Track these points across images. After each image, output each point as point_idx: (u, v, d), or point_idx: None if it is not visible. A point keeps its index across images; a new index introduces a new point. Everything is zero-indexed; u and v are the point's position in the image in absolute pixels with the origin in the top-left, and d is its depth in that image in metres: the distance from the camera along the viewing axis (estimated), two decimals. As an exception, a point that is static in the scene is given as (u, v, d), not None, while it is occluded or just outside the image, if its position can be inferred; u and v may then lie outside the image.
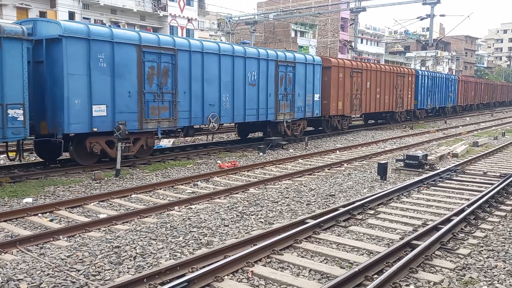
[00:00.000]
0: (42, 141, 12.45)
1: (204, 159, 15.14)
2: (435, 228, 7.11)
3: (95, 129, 12.16)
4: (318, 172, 12.83)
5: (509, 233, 7.29)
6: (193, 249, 6.45)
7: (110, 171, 12.52)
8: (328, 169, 13.27)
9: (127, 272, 5.62)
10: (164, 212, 8.50)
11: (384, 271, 5.52)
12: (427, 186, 10.78)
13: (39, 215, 8.24)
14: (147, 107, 13.47)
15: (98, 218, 7.97)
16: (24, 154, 13.41)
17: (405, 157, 13.02)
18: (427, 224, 7.49)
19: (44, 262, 5.87)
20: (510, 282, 5.46)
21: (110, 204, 9.18)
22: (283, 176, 11.82)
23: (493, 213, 8.39)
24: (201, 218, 7.95)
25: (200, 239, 6.85)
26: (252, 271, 5.64)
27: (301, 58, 20.12)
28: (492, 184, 10.61)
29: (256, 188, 10.63)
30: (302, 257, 6.24)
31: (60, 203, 8.79)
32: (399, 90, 30.10)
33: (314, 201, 9.37)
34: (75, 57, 11.67)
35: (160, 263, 5.91)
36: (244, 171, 12.86)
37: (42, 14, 38.34)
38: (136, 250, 6.35)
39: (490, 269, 5.83)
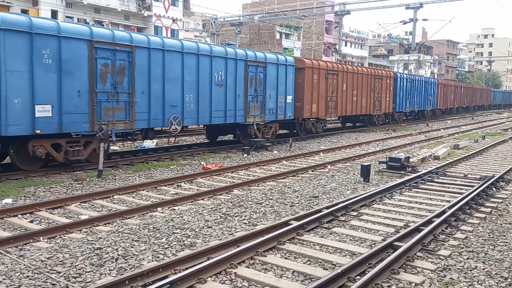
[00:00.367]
0: None
1: (188, 160, 15.07)
2: (417, 230, 7.19)
3: (38, 131, 11.16)
4: (302, 173, 12.88)
5: (489, 235, 7.42)
6: (176, 251, 6.41)
7: (92, 171, 12.38)
8: (312, 171, 13.33)
9: (109, 274, 5.56)
10: (147, 213, 8.43)
11: (367, 272, 5.56)
12: (409, 188, 10.90)
13: (19, 216, 8.10)
14: (99, 108, 12.49)
15: (79, 219, 7.86)
16: None
17: (387, 159, 13.15)
18: (409, 226, 7.58)
19: (24, 264, 5.77)
20: (489, 283, 5.55)
21: (92, 205, 9.08)
22: (267, 178, 11.83)
23: (473, 215, 8.52)
24: (184, 220, 7.91)
25: (183, 241, 6.81)
26: (235, 273, 5.63)
27: (273, 58, 19.30)
28: (472, 186, 10.78)
29: (240, 190, 10.62)
30: (286, 258, 6.25)
31: (40, 204, 8.66)
32: (377, 92, 29.42)
33: (298, 203, 9.40)
34: (14, 52, 10.70)
35: (143, 265, 5.86)
36: (228, 173, 12.84)
37: (24, 11, 37.74)
38: (118, 251, 6.28)
39: (470, 270, 5.91)
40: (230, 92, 16.92)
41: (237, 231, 7.36)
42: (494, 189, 10.78)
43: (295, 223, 7.35)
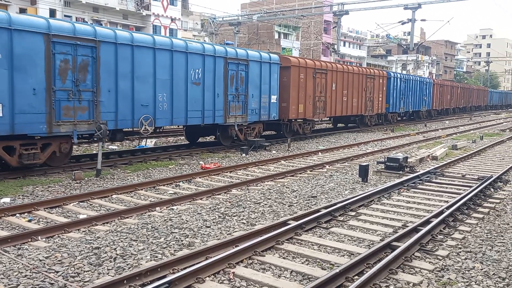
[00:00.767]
0: None
1: (186, 159, 15.07)
2: (415, 230, 7.20)
3: None
4: (300, 173, 12.89)
5: (487, 235, 7.44)
6: (175, 250, 6.41)
7: (91, 171, 12.37)
8: (310, 171, 13.34)
9: (107, 274, 5.56)
10: (145, 212, 8.43)
11: (365, 272, 5.57)
12: (407, 188, 10.92)
13: (17, 215, 8.09)
14: (58, 107, 11.52)
15: (77, 219, 7.86)
16: None
17: (386, 159, 13.17)
18: (407, 226, 7.59)
19: (22, 263, 5.77)
20: (487, 283, 5.57)
21: (90, 204, 9.07)
22: (265, 177, 11.84)
23: (471, 215, 8.54)
24: (182, 219, 7.91)
25: (182, 240, 6.81)
26: (233, 273, 5.63)
27: (255, 55, 18.34)
28: (470, 186, 10.80)
29: (239, 189, 10.62)
30: (284, 258, 6.26)
31: (39, 203, 8.65)
32: (369, 92, 28.46)
33: (296, 203, 9.41)
34: None
35: (141, 264, 5.86)
36: (227, 172, 12.84)
37: (22, 10, 37.69)
38: (116, 251, 6.28)
39: (468, 270, 5.93)
40: (208, 91, 16.01)
41: (236, 231, 7.37)
42: (492, 189, 10.81)
43: (293, 223, 7.36)
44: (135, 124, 13.58)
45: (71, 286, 5.19)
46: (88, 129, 12.34)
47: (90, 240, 6.74)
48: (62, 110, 11.67)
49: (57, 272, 5.54)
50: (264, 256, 6.23)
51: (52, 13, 39.64)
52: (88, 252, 6.21)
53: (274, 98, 19.33)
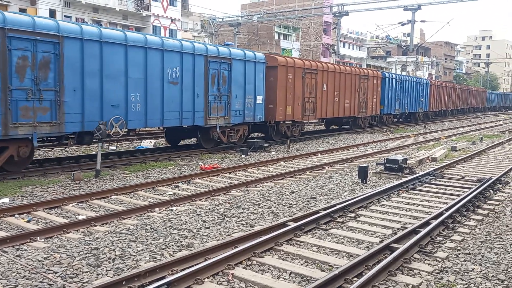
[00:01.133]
0: None
1: (186, 160, 15.06)
2: (414, 232, 7.20)
3: None
4: (299, 174, 12.88)
5: (486, 237, 7.44)
6: (174, 251, 6.40)
7: (90, 171, 12.36)
8: (310, 172, 13.34)
9: (106, 275, 5.55)
10: (144, 213, 8.42)
11: (364, 274, 5.57)
12: (406, 190, 10.92)
13: (16, 215, 8.09)
14: (15, 108, 10.69)
15: (76, 219, 7.85)
16: None
17: (385, 160, 13.17)
18: (406, 228, 7.59)
19: (21, 264, 5.76)
20: (486, 285, 5.57)
21: (90, 205, 9.06)
22: (265, 179, 11.83)
23: (470, 217, 8.54)
24: (182, 220, 7.91)
25: (181, 241, 6.81)
26: (232, 274, 5.63)
27: (239, 54, 17.45)
28: (469, 188, 10.80)
29: (238, 190, 10.62)
30: (283, 259, 6.25)
31: (38, 203, 8.64)
32: (362, 93, 27.56)
33: (296, 204, 9.40)
34: None
35: (140, 265, 5.85)
36: (226, 173, 12.84)
37: (22, 10, 37.68)
38: (115, 252, 6.27)
39: (467, 273, 5.93)
40: (187, 91, 15.13)
41: (235, 232, 7.36)
42: (491, 191, 10.81)
43: (292, 224, 7.35)
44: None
45: (69, 287, 5.18)
46: (50, 131, 11.44)
47: (89, 241, 6.73)
48: (19, 110, 10.82)
49: (56, 273, 5.53)
50: (263, 257, 6.23)
51: (52, 13, 39.65)
52: (87, 253, 6.21)
53: (259, 99, 18.46)
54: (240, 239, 6.61)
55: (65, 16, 40.67)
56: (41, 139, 12.11)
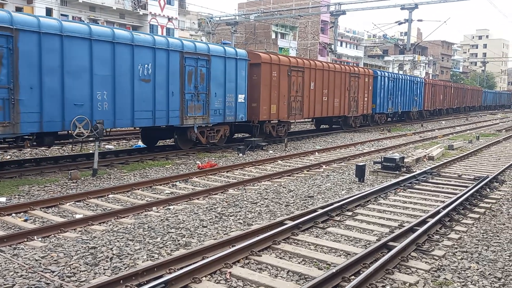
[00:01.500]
0: None
1: (183, 159, 15.05)
2: (411, 230, 7.22)
3: None
4: (297, 173, 12.89)
5: (483, 235, 7.46)
6: (171, 250, 6.40)
7: (87, 170, 12.33)
8: (307, 171, 13.35)
9: (103, 274, 5.55)
10: (142, 212, 8.41)
11: (361, 272, 5.58)
12: (403, 188, 10.94)
13: (13, 215, 8.06)
14: None
15: (74, 219, 7.83)
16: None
17: (382, 159, 13.19)
18: (403, 226, 7.61)
19: (18, 263, 5.75)
20: (483, 283, 5.59)
21: (87, 204, 9.05)
22: (262, 177, 11.84)
23: (467, 215, 8.57)
24: (179, 219, 7.90)
25: (178, 240, 6.80)
26: (230, 272, 5.63)
27: (218, 50, 16.52)
28: (466, 186, 10.83)
29: (235, 189, 10.62)
30: (281, 258, 6.26)
31: (35, 202, 8.62)
32: (353, 92, 26.68)
33: (293, 202, 9.41)
34: None
35: (137, 264, 5.85)
36: (224, 172, 12.83)
37: (19, 9, 37.55)
38: (112, 251, 6.26)
39: (464, 270, 5.95)
40: (161, 89, 14.27)
41: (232, 231, 7.36)
42: (488, 189, 10.85)
43: (290, 223, 7.36)
44: (66, 126, 11.80)
45: (67, 286, 5.17)
46: (3, 132, 10.58)
47: (86, 240, 6.72)
48: None
49: (53, 272, 5.52)
50: (261, 256, 6.23)
51: (49, 12, 39.52)
52: (84, 252, 6.20)
53: (241, 98, 17.55)
54: (237, 238, 6.61)
55: (61, 14, 40.56)
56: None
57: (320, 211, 8.18)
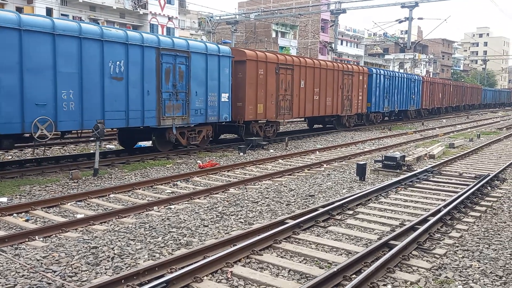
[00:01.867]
0: None
1: (184, 159, 15.05)
2: (412, 229, 7.22)
3: None
4: (298, 172, 12.89)
5: (484, 234, 7.46)
6: (172, 250, 6.41)
7: (88, 170, 12.34)
8: (308, 170, 13.35)
9: (105, 273, 5.55)
10: (143, 212, 8.42)
11: (362, 271, 5.58)
12: (404, 187, 10.93)
13: (14, 215, 8.07)
14: None
15: (75, 218, 7.84)
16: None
17: (383, 158, 13.19)
18: (404, 225, 7.61)
19: (19, 263, 5.76)
20: (484, 281, 5.59)
21: (88, 204, 9.05)
22: (263, 176, 11.84)
23: (468, 214, 8.57)
24: (180, 219, 7.91)
25: (179, 240, 6.81)
26: (231, 272, 5.63)
27: (199, 47, 15.64)
28: (467, 185, 10.83)
29: (236, 188, 10.62)
30: (282, 257, 6.26)
31: (36, 202, 8.63)
32: (346, 90, 25.84)
33: (294, 202, 9.41)
34: None
35: (139, 263, 5.85)
36: (224, 171, 12.84)
37: (19, 9, 37.56)
38: (114, 250, 6.27)
39: (465, 269, 5.94)
40: (135, 87, 13.39)
41: (233, 230, 7.37)
42: (489, 188, 10.84)
43: (291, 222, 7.36)
44: (26, 128, 10.99)
45: (68, 286, 5.18)
46: None
47: (88, 239, 6.73)
48: None
49: (55, 272, 5.53)
50: (262, 255, 6.24)
51: (49, 11, 39.54)
52: (85, 251, 6.21)
53: (225, 97, 16.77)
54: (238, 237, 6.62)
55: (62, 14, 40.57)
56: None
57: (321, 210, 8.18)
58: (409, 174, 12.01)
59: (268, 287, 5.32)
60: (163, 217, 7.96)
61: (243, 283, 5.40)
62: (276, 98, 19.76)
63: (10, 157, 14.76)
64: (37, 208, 8.45)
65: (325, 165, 14.12)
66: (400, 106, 33.96)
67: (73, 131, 13.11)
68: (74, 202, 9.05)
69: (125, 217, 8.06)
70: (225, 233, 7.19)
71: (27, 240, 6.68)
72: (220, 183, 11.24)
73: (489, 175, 11.64)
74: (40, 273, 5.46)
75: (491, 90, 76.37)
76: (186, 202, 9.28)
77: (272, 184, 11.14)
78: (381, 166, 13.08)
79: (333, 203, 8.70)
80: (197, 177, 11.96)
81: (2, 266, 5.69)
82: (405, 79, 34.67)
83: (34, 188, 10.24)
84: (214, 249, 6.15)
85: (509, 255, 6.48)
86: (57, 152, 16.28)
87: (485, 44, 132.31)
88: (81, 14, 43.13)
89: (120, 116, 13.09)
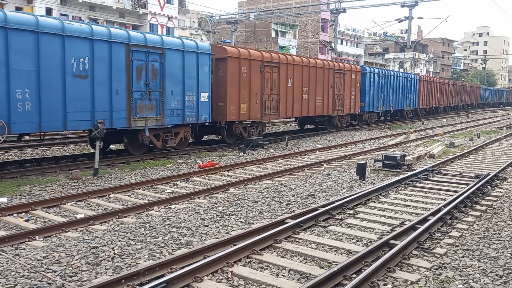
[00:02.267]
0: None
1: (184, 158, 15.05)
2: (412, 228, 7.21)
3: None
4: (298, 172, 12.89)
5: (484, 233, 7.46)
6: (172, 250, 6.41)
7: (88, 170, 12.34)
8: (308, 169, 13.35)
9: (105, 273, 5.55)
10: (143, 212, 8.42)
11: (363, 270, 5.58)
12: (404, 186, 10.93)
13: (15, 215, 8.07)
14: None
15: (75, 218, 7.84)
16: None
17: (383, 157, 13.19)
18: (405, 224, 7.60)
19: (19, 263, 5.76)
20: (484, 281, 5.58)
21: (88, 204, 9.05)
22: (263, 176, 11.84)
23: (468, 213, 8.56)
24: (180, 218, 7.91)
25: (180, 239, 6.81)
26: (231, 271, 5.63)
27: (175, 43, 14.75)
28: (467, 184, 10.83)
29: (236, 188, 10.62)
30: (282, 257, 6.26)
31: (36, 202, 8.63)
32: (338, 90, 24.88)
33: (294, 201, 9.41)
34: None
35: (139, 263, 5.85)
36: (224, 171, 12.84)
37: (19, 9, 37.55)
38: (114, 250, 6.27)
39: (466, 268, 5.94)
40: (102, 86, 12.48)
41: (234, 230, 7.37)
42: (489, 187, 10.84)
43: (291, 222, 7.36)
44: None
45: (69, 285, 5.18)
46: None
47: (88, 239, 6.73)
48: None
49: (55, 271, 5.53)
50: (262, 254, 6.24)
51: (49, 11, 39.53)
52: (86, 251, 6.21)
53: (204, 96, 15.82)
54: (239, 237, 6.62)
55: (61, 14, 40.56)
56: None
57: (321, 209, 8.18)
58: (409, 173, 12.01)
59: (269, 287, 5.32)
60: (163, 217, 7.96)
61: (243, 283, 5.40)
62: (261, 97, 18.92)
63: (10, 157, 14.75)
64: (37, 208, 8.45)
65: (325, 165, 14.12)
66: (396, 105, 33.19)
67: (31, 134, 12.12)
68: (74, 202, 9.05)
69: (125, 217, 8.06)
70: (225, 233, 7.19)
71: (27, 240, 6.68)
72: (220, 182, 11.24)
73: (489, 175, 11.64)
74: (40, 273, 5.46)
75: (490, 89, 75.94)
76: (186, 202, 9.28)
77: (272, 184, 11.14)
78: (381, 165, 13.08)
79: (333, 202, 8.70)
80: (197, 176, 11.96)
81: (3, 266, 5.69)
82: (401, 78, 33.84)
83: (34, 188, 10.24)
84: (214, 249, 6.15)
85: (510, 255, 6.48)
86: (57, 152, 16.28)
87: (485, 43, 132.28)
88: (81, 14, 43.12)
89: (85, 118, 12.17)
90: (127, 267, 5.74)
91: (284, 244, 6.67)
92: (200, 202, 9.25)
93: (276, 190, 10.36)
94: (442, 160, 14.89)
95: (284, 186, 10.90)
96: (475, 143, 20.72)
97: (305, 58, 23.41)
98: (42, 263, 5.77)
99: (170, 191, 10.29)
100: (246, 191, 10.29)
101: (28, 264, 5.73)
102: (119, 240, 6.69)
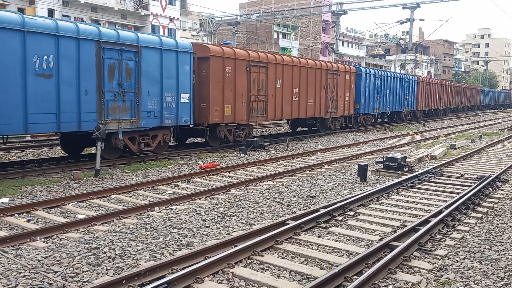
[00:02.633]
0: None
1: (185, 159, 15.06)
2: (414, 230, 7.21)
3: None
4: (299, 173, 12.89)
5: (485, 235, 7.45)
6: (173, 250, 6.41)
7: (90, 171, 12.35)
8: (309, 170, 13.35)
9: (106, 274, 5.55)
10: (144, 212, 8.42)
11: (364, 272, 5.58)
12: (406, 188, 10.92)
13: (16, 215, 8.08)
14: None
15: (76, 219, 7.85)
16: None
17: (384, 159, 13.18)
18: (406, 226, 7.60)
19: (21, 264, 5.76)
20: (485, 282, 5.58)
21: (89, 204, 9.06)
22: (264, 177, 11.84)
23: (469, 215, 8.55)
24: (181, 219, 7.91)
25: (181, 240, 6.81)
26: (232, 272, 5.63)
27: (152, 41, 13.91)
28: (469, 186, 10.81)
29: (238, 189, 10.62)
30: (283, 258, 6.26)
31: (37, 203, 8.64)
32: (331, 91, 24.02)
33: (295, 202, 9.41)
34: None
35: (140, 264, 5.86)
36: (226, 172, 12.84)
37: (21, 10, 37.63)
38: (115, 251, 6.27)
39: (467, 270, 5.94)
40: (69, 86, 11.66)
41: (235, 231, 7.37)
42: (490, 189, 10.82)
43: (292, 223, 7.36)
44: None
45: (70, 286, 5.18)
46: None
47: (89, 240, 6.73)
48: None
49: (56, 272, 5.53)
50: (263, 256, 6.23)
51: (51, 13, 39.61)
52: (87, 252, 6.21)
53: (185, 97, 15.00)
54: (240, 238, 6.62)
55: (63, 15, 40.63)
56: None
57: (322, 211, 8.17)
58: (411, 175, 12.00)
59: (269, 288, 5.32)
60: (164, 218, 7.97)
61: (244, 284, 5.40)
62: (248, 98, 18.06)
63: (11, 157, 14.77)
64: (39, 208, 8.46)
65: (326, 166, 14.11)
66: (393, 107, 32.33)
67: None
68: (76, 202, 9.06)
69: (126, 217, 8.07)
70: (226, 234, 7.19)
71: (28, 240, 6.68)
72: (221, 183, 11.25)
73: (491, 176, 11.62)
74: (41, 274, 5.46)
75: (490, 91, 75.37)
76: (187, 202, 9.29)
77: (273, 185, 11.14)
78: (382, 167, 13.07)
79: (334, 204, 8.69)
80: (198, 177, 11.96)
81: (4, 266, 5.70)
82: (398, 79, 32.98)
83: (36, 188, 10.25)
84: (215, 249, 6.15)
85: (511, 257, 6.47)
86: (58, 153, 16.29)
87: (487, 45, 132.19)
88: (83, 15, 43.19)
89: (49, 120, 11.32)
90: (128, 268, 5.74)
91: (285, 245, 6.67)
92: (201, 203, 9.26)
93: (277, 191, 10.35)
94: (444, 161, 14.88)
95: (285, 187, 10.89)
96: (477, 145, 20.70)
97: (295, 58, 22.63)
98: (43, 264, 5.78)
99: (171, 192, 10.30)
100: (247, 192, 10.29)
101: (29, 265, 5.74)
102: (120, 241, 6.70)
